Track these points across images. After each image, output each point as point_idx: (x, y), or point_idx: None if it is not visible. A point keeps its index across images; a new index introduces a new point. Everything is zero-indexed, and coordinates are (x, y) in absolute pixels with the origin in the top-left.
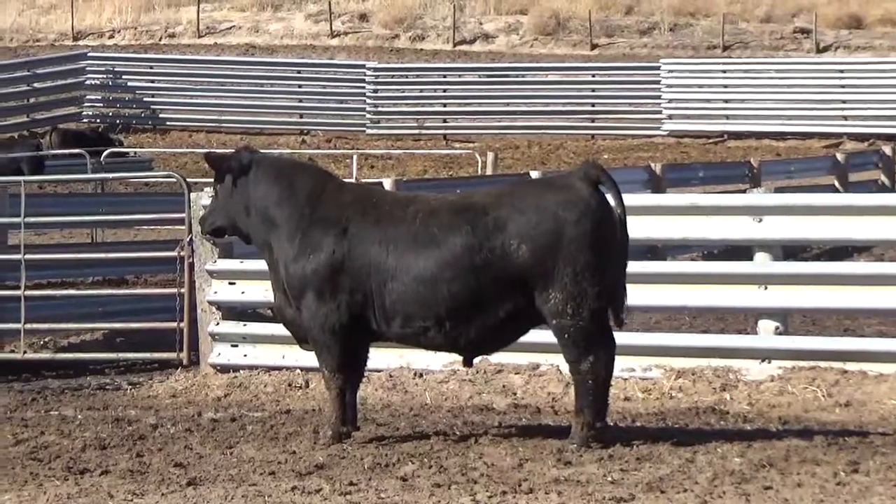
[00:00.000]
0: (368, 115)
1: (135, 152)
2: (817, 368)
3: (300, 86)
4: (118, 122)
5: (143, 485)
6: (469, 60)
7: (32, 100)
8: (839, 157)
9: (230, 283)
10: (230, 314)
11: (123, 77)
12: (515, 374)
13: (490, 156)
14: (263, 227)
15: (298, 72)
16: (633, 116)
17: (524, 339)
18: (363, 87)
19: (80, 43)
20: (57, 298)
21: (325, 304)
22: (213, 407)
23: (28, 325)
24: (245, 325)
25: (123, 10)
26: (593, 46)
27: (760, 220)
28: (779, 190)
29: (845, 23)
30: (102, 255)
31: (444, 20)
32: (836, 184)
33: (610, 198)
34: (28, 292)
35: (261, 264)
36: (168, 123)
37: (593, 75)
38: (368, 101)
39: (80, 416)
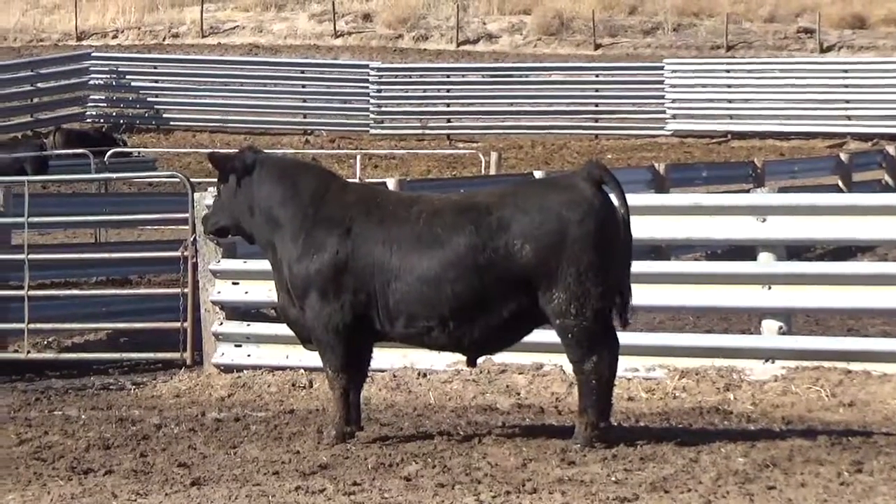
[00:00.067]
0: (372, 115)
1: (138, 152)
2: (821, 368)
3: (304, 86)
4: (122, 122)
5: (146, 485)
6: (472, 60)
7: (36, 100)
8: (843, 156)
9: (234, 283)
10: (234, 314)
11: (127, 77)
12: (519, 374)
13: (494, 156)
14: (267, 227)
15: (302, 72)
16: (636, 116)
17: (528, 339)
18: (367, 87)
19: (84, 43)
20: (60, 298)
21: (328, 303)
22: (216, 407)
23: (32, 325)
24: (248, 325)
25: (127, 10)
26: (597, 46)
27: (764, 220)
28: (782, 190)
29: (849, 23)
30: (106, 255)
31: (448, 20)
32: (840, 184)
33: (613, 198)
34: (32, 292)
35: (264, 264)
36: (172, 123)
37: (597, 75)
38: (372, 101)
39: (83, 416)
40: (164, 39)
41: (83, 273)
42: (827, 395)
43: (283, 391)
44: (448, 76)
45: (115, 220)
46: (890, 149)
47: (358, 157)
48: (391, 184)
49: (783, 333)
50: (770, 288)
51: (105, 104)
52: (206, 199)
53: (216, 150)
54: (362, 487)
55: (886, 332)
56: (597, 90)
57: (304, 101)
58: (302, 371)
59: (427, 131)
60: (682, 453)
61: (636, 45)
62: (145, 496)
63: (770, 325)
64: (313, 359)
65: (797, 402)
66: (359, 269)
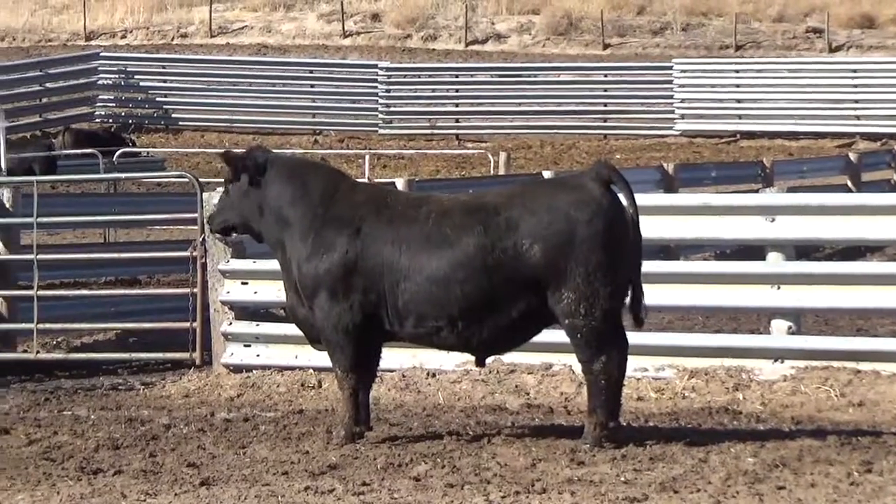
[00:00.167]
0: (381, 115)
1: (147, 152)
2: (830, 368)
3: (312, 86)
4: (130, 122)
5: (156, 485)
6: (481, 60)
7: (45, 100)
8: (852, 156)
9: (243, 283)
10: (243, 314)
11: (136, 77)
12: (528, 374)
13: (502, 156)
14: (277, 227)
15: (311, 72)
16: (645, 116)
17: (537, 339)
18: (375, 87)
19: (93, 43)
20: (70, 298)
21: (337, 303)
22: (225, 407)
23: (41, 326)
24: (258, 324)
25: (136, 10)
26: (605, 46)
27: (773, 220)
28: (791, 190)
29: (858, 22)
30: (115, 255)
31: (457, 20)
32: (849, 183)
33: (622, 198)
34: (41, 292)
35: (273, 264)
36: (180, 123)
37: (605, 75)
38: (381, 100)
39: (93, 416)
40: (172, 39)
41: (92, 273)
42: (836, 395)
43: (292, 391)
44: (457, 76)
45: (124, 220)
46: None
47: (367, 156)
48: (400, 184)
49: (792, 333)
50: (779, 288)
51: (114, 104)
52: (214, 198)
53: (230, 150)
54: (371, 487)
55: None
56: (605, 90)
57: (313, 100)
58: (311, 371)
59: (436, 131)
60: (691, 453)
61: (645, 45)
62: (154, 496)
63: (779, 325)
64: (322, 359)
65: (806, 402)
66: (368, 268)
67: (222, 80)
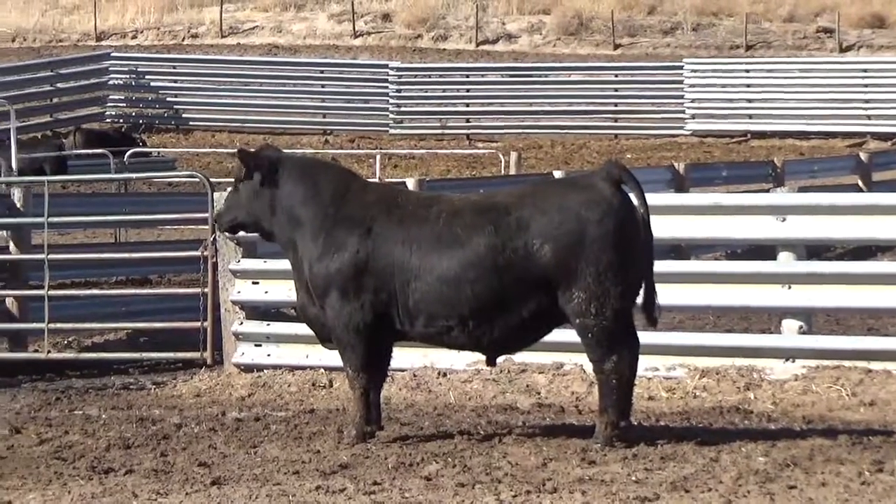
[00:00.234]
0: (391, 115)
1: (158, 152)
2: (841, 368)
3: (323, 86)
4: (141, 122)
5: (167, 484)
6: (492, 60)
7: (55, 100)
8: (862, 156)
9: (254, 283)
10: (254, 314)
11: (146, 77)
12: (539, 373)
13: (513, 155)
14: (288, 227)
15: (321, 72)
16: (656, 116)
17: (548, 338)
18: (386, 87)
19: (104, 43)
20: (81, 298)
21: (349, 303)
22: (237, 406)
23: (52, 325)
24: (269, 324)
25: (146, 10)
26: (616, 46)
27: (784, 220)
28: (802, 189)
29: (868, 22)
30: (126, 255)
31: (467, 20)
32: (860, 183)
33: (633, 197)
34: (52, 292)
35: (284, 264)
36: (191, 123)
37: (616, 75)
38: (391, 101)
39: (104, 416)
40: (183, 40)
41: (103, 273)
42: (847, 395)
43: (303, 391)
44: (467, 76)
45: (135, 220)
46: None
47: (377, 156)
48: (411, 184)
49: (803, 333)
50: (790, 287)
51: (124, 104)
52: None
53: (245, 147)
54: (382, 487)
55: None
56: (616, 90)
57: (324, 101)
58: (322, 370)
59: (446, 131)
60: (702, 453)
61: (655, 45)
62: (165, 495)
63: (790, 325)
64: (333, 358)
65: (817, 402)
66: (379, 268)
67: (233, 80)
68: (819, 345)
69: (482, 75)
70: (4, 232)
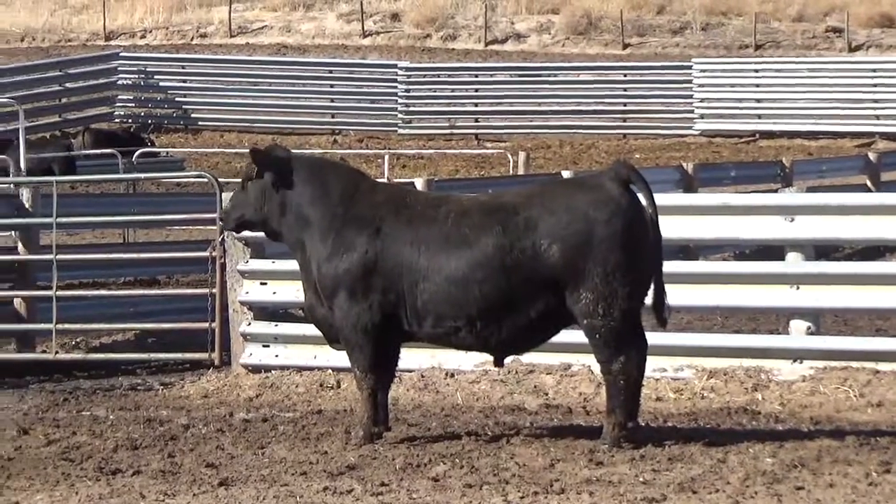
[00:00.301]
0: (400, 115)
1: (166, 152)
2: (849, 368)
3: (332, 86)
4: (150, 122)
5: (174, 485)
6: (501, 60)
7: (64, 100)
8: (871, 156)
9: (262, 284)
10: (262, 314)
11: (155, 77)
12: (547, 374)
13: (522, 155)
14: (297, 227)
15: (330, 71)
16: (664, 116)
17: (556, 339)
18: (395, 87)
19: (112, 43)
20: (88, 299)
21: (357, 303)
22: (244, 407)
23: (60, 326)
24: (276, 325)
25: (155, 9)
26: (625, 46)
27: (792, 220)
28: (811, 189)
29: (877, 22)
30: (134, 256)
31: (476, 20)
32: (869, 183)
33: (641, 197)
34: (60, 292)
35: (292, 264)
36: (200, 123)
37: (625, 75)
38: (400, 100)
39: (111, 417)
40: (192, 39)
41: (111, 273)
42: (855, 396)
43: (310, 391)
44: (476, 76)
45: (144, 221)
46: None
47: (386, 156)
48: (419, 184)
49: (811, 333)
50: (798, 288)
51: (133, 104)
52: None
53: (257, 145)
54: (390, 488)
55: None
56: (625, 90)
57: (332, 100)
58: (330, 371)
59: (455, 131)
60: (710, 454)
61: (664, 45)
62: (173, 496)
63: (798, 326)
64: (341, 359)
65: (825, 403)
66: (388, 269)
67: (242, 80)
68: (827, 345)
69: (491, 75)
70: (13, 232)
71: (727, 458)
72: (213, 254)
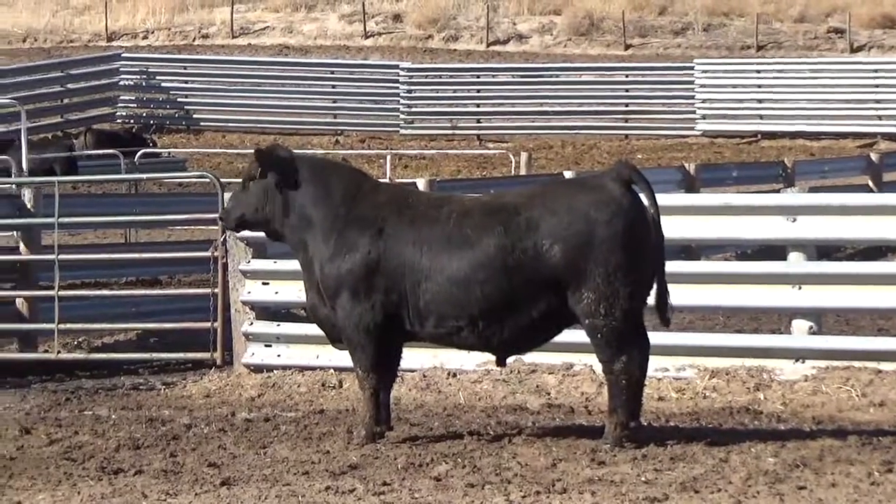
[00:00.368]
0: (402, 116)
1: (168, 153)
2: (851, 368)
3: (334, 86)
4: (152, 122)
5: (176, 485)
6: (503, 61)
7: (66, 100)
8: (873, 156)
9: (264, 284)
10: (264, 314)
11: (157, 78)
12: (549, 373)
13: (523, 156)
14: (299, 227)
15: (332, 72)
16: (666, 116)
17: (558, 338)
18: (397, 88)
19: (114, 44)
20: (90, 299)
21: (359, 303)
22: (246, 407)
23: (62, 326)
24: (279, 325)
25: (157, 10)
26: (627, 47)
27: (794, 220)
28: (813, 190)
29: (879, 22)
30: (136, 256)
31: (478, 20)
32: (870, 183)
33: (643, 198)
34: (62, 292)
35: (294, 264)
36: (202, 124)
37: (627, 75)
38: (402, 101)
39: (113, 416)
40: (193, 40)
41: (113, 273)
42: (857, 395)
43: (312, 391)
44: (478, 76)
45: (146, 221)
46: None
47: (388, 157)
48: (421, 184)
49: (813, 333)
50: (800, 288)
51: (135, 105)
52: None
53: (261, 145)
54: (392, 487)
55: None
56: (627, 90)
57: (334, 101)
58: (332, 371)
59: (457, 132)
60: (712, 453)
61: (666, 46)
62: (175, 496)
63: (800, 325)
64: (343, 359)
65: (827, 402)
66: (390, 269)
67: (244, 80)
68: (829, 345)
69: (493, 76)
70: (15, 232)
71: (729, 457)
72: (215, 254)
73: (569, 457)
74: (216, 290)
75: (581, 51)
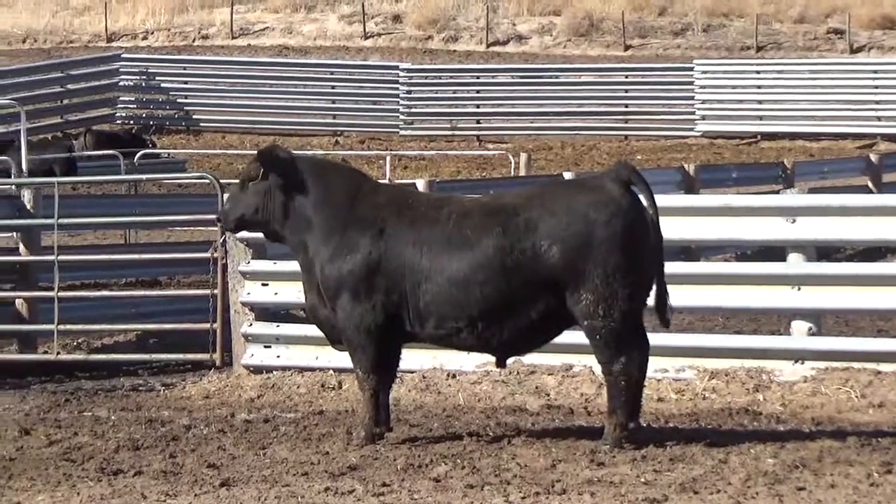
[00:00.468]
0: (402, 117)
1: (168, 153)
2: (851, 369)
3: (333, 87)
4: (151, 123)
5: (176, 486)
6: (502, 61)
7: (66, 101)
8: (873, 157)
9: (263, 285)
10: (263, 315)
11: (157, 78)
12: (548, 375)
13: (523, 157)
14: (299, 227)
15: (331, 73)
16: (666, 117)
17: (557, 339)
18: (396, 89)
19: (114, 44)
20: (90, 299)
21: (360, 304)
22: (246, 408)
23: (61, 327)
24: (278, 326)
25: (157, 11)
26: (626, 47)
27: (794, 221)
28: (812, 191)
29: (879, 23)
30: (136, 257)
31: (478, 21)
32: (870, 184)
33: (642, 198)
34: (61, 293)
35: (294, 265)
36: (201, 125)
37: (626, 76)
38: (402, 102)
39: (113, 417)
40: (193, 41)
41: (113, 274)
42: (857, 396)
43: (312, 392)
44: (478, 77)
45: (145, 222)
46: None
47: (387, 157)
48: (421, 185)
49: (813, 334)
50: (800, 289)
51: (135, 105)
52: None
53: (261, 146)
54: (392, 488)
55: None
56: (626, 91)
57: (334, 102)
58: (331, 372)
59: (457, 132)
60: (711, 454)
61: (666, 46)
62: (175, 497)
63: (800, 326)
64: (343, 360)
65: (827, 403)
66: (390, 270)
67: (243, 81)
68: (828, 346)
69: (492, 76)
70: (14, 233)
71: (728, 458)
72: (215, 255)
73: (568, 458)
74: (216, 291)
75: (581, 51)
